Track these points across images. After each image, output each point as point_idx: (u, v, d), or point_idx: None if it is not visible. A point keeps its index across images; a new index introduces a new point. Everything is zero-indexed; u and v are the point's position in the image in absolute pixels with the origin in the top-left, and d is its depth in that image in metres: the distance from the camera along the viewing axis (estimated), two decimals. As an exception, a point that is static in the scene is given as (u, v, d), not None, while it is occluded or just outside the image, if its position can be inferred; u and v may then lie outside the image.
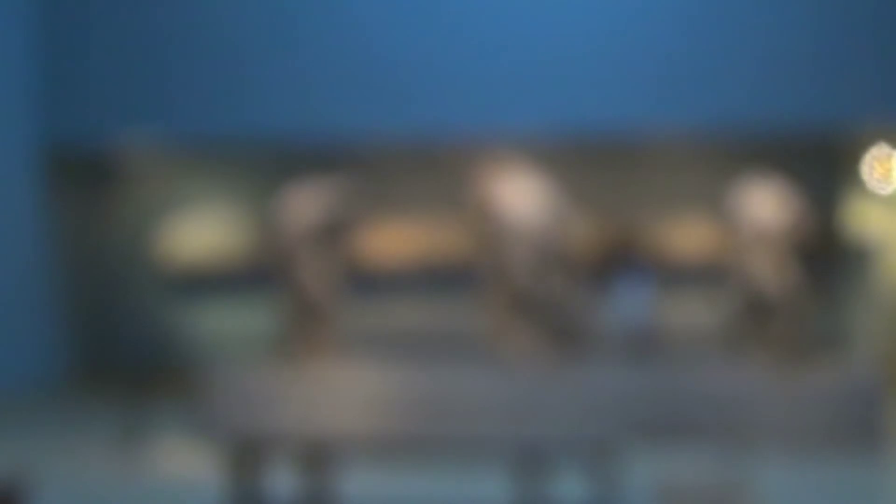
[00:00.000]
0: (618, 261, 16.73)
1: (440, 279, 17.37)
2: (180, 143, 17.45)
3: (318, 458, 8.83)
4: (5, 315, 16.04)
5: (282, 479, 9.25)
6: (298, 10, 16.39)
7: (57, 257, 17.54)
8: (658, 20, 15.75)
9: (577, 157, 17.19)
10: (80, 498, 9.43)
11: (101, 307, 18.43)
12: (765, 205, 11.97)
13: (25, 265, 16.68)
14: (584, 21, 15.89)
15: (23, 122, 16.62)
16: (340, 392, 11.82)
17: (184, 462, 11.19)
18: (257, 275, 12.69)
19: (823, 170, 16.61)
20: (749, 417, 11.22)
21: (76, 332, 17.95)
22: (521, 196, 12.29)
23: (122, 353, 17.90)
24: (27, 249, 16.74)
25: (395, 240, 17.33)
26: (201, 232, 17.93)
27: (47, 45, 16.77)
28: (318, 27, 16.36)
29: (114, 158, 18.42)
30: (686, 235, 16.66)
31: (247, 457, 8.82)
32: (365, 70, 16.13)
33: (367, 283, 17.25)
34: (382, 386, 12.09)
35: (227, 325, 18.02)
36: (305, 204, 12.47)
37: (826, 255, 16.43)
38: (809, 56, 15.29)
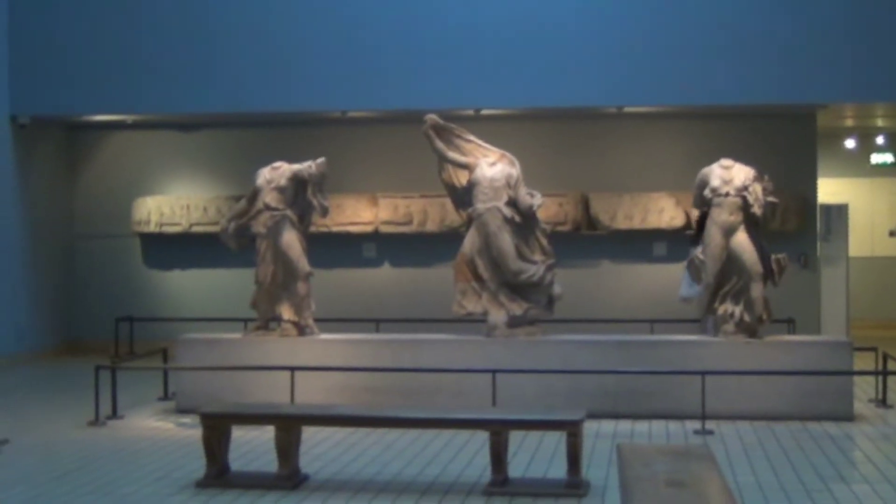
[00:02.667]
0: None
1: (414, 247, 17.47)
2: (150, 116, 17.53)
3: (289, 431, 8.85)
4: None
5: (255, 450, 9.30)
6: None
7: (28, 228, 17.53)
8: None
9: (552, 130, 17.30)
10: (49, 466, 9.48)
11: (73, 278, 18.48)
12: (739, 175, 12.03)
13: (3, 235, 16.69)
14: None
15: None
16: (314, 364, 11.83)
17: (156, 432, 11.23)
18: (228, 244, 12.72)
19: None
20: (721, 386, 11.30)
21: (49, 301, 17.98)
22: (491, 163, 12.33)
23: (96, 320, 17.96)
24: (3, 219, 16.75)
25: (368, 209, 17.35)
26: (174, 202, 17.96)
27: (15, 24, 16.79)
28: (284, 8, 16.38)
29: (87, 130, 18.47)
30: (649, 206, 16.74)
31: (217, 428, 8.85)
32: (335, 51, 16.19)
33: (341, 251, 17.36)
34: (356, 358, 12.14)
35: (202, 294, 18.08)
36: (280, 175, 12.49)
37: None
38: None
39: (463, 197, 12.53)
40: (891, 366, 12.69)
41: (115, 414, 11.82)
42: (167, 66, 16.43)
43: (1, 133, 16.77)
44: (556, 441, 9.69)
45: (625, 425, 11.17)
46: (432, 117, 12.50)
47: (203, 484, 8.78)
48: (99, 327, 17.76)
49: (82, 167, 18.73)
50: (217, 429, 8.88)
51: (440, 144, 12.47)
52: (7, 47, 16.74)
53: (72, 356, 17.50)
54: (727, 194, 11.99)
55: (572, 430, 8.49)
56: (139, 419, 11.87)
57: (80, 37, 16.71)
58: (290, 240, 12.41)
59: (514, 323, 12.21)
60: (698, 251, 12.26)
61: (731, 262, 12.01)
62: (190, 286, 18.24)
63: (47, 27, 16.80)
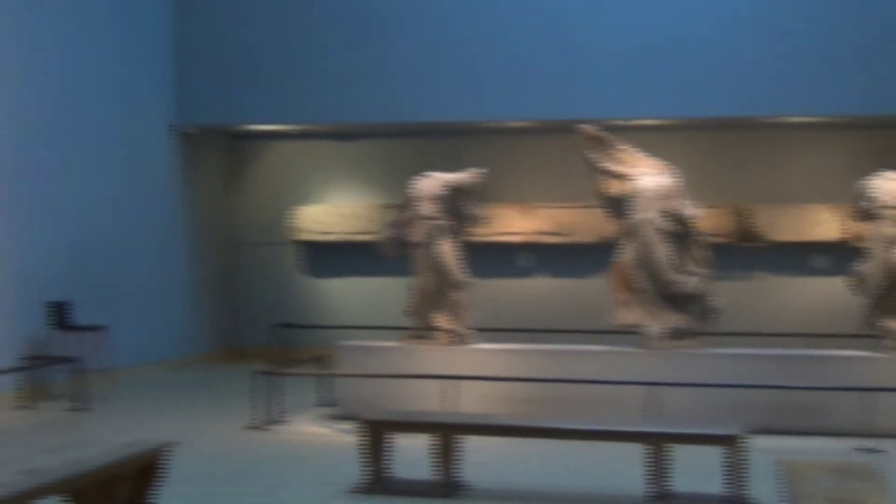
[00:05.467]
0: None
1: (567, 257, 17.45)
2: (310, 126, 17.84)
3: (446, 439, 8.92)
4: (145, 292, 16.56)
5: (411, 457, 9.39)
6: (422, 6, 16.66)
7: (192, 236, 18.00)
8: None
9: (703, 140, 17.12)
10: (213, 468, 9.71)
11: (234, 284, 18.90)
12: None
13: (166, 245, 17.19)
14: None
15: (159, 106, 17.11)
16: (470, 373, 11.89)
17: (316, 437, 11.42)
18: (384, 253, 12.91)
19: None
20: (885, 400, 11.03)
21: (211, 307, 18.42)
22: (650, 173, 12.27)
23: (254, 326, 18.33)
24: (166, 232, 17.24)
25: (523, 219, 17.39)
26: (331, 210, 18.27)
27: (181, 36, 17.27)
28: (441, 20, 16.54)
29: (248, 139, 18.90)
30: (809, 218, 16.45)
31: (375, 434, 8.96)
32: (491, 61, 16.29)
33: (495, 261, 17.42)
34: (512, 367, 12.16)
35: (358, 301, 18.32)
36: (437, 185, 12.61)
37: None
38: None
39: (618, 208, 12.49)
40: None
41: (275, 419, 12.06)
42: (328, 77, 16.73)
43: (166, 142, 17.29)
44: (712, 456, 9.57)
45: (784, 441, 10.96)
46: (587, 127, 12.49)
47: (360, 489, 8.90)
48: (257, 333, 18.13)
49: (243, 175, 19.18)
50: (375, 435, 9.00)
51: (595, 155, 12.45)
52: (173, 58, 17.23)
53: (232, 361, 17.91)
54: (890, 207, 11.73)
55: (732, 445, 8.39)
56: (299, 425, 12.09)
57: (243, 48, 17.13)
58: (447, 249, 12.52)
59: (671, 335, 12.11)
60: (862, 265, 12.01)
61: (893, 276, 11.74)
62: (346, 294, 18.52)
63: (212, 39, 17.26)
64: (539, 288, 17.76)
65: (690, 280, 12.09)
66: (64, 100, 14.95)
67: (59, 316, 14.15)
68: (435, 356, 12.37)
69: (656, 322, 12.14)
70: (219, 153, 18.98)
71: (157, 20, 17.14)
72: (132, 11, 16.66)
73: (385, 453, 9.01)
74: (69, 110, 15.05)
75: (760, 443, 10.73)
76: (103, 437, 10.94)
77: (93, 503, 7.09)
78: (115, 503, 7.23)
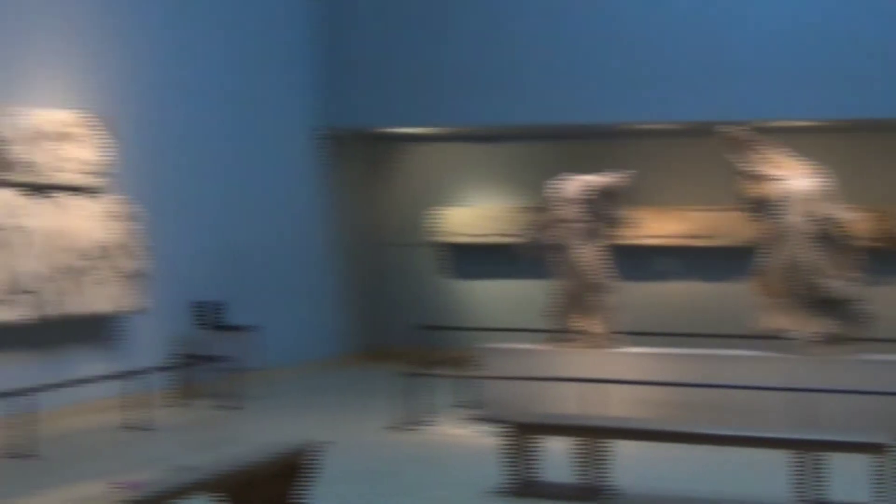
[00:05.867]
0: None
1: (708, 260, 17.27)
2: (453, 129, 17.96)
3: (592, 442, 8.93)
4: (293, 293, 16.86)
5: (556, 461, 9.40)
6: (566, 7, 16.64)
7: (336, 237, 18.28)
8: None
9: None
10: (357, 467, 9.85)
11: (377, 285, 19.11)
12: None
13: (312, 247, 17.49)
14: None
15: (304, 110, 17.41)
16: (611, 376, 11.85)
17: (458, 438, 11.51)
18: (525, 256, 12.95)
19: None
20: None
21: (355, 308, 18.67)
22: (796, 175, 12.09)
23: (397, 327, 18.51)
24: (312, 234, 17.54)
25: (665, 222, 17.27)
26: (472, 213, 18.38)
27: (326, 41, 17.53)
28: (584, 21, 16.50)
29: (389, 142, 19.10)
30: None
31: (518, 437, 9.00)
32: (634, 62, 16.19)
33: (636, 264, 17.31)
34: (654, 371, 12.08)
35: (499, 303, 18.37)
36: (579, 187, 12.61)
37: None
38: None
39: (762, 210, 12.31)
40: None
41: (418, 419, 12.18)
42: (471, 79, 16.81)
43: (311, 145, 17.59)
44: (859, 464, 9.39)
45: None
46: (730, 129, 12.35)
47: (503, 492, 8.95)
48: (400, 334, 18.30)
49: (386, 178, 19.39)
50: (519, 438, 9.04)
51: (739, 157, 12.30)
52: (319, 63, 17.52)
53: (375, 361, 18.10)
54: None
55: (881, 453, 8.23)
56: (442, 426, 12.19)
57: (386, 50, 17.31)
58: (589, 252, 12.50)
59: (819, 340, 11.90)
60: None
61: None
62: (487, 296, 18.59)
63: (356, 43, 17.48)
64: (681, 291, 17.60)
65: (840, 284, 11.87)
66: (212, 104, 15.32)
67: (211, 316, 14.49)
68: (576, 359, 12.36)
69: (804, 327, 11.94)
70: (362, 156, 19.22)
71: (303, 26, 17.44)
72: (279, 18, 17.00)
73: (529, 456, 9.05)
74: (217, 114, 15.41)
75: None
76: (253, 436, 11.18)
77: (244, 501, 7.27)
78: (265, 501, 7.40)
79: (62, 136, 12.42)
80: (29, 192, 12.02)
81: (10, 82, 12.24)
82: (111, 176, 13.15)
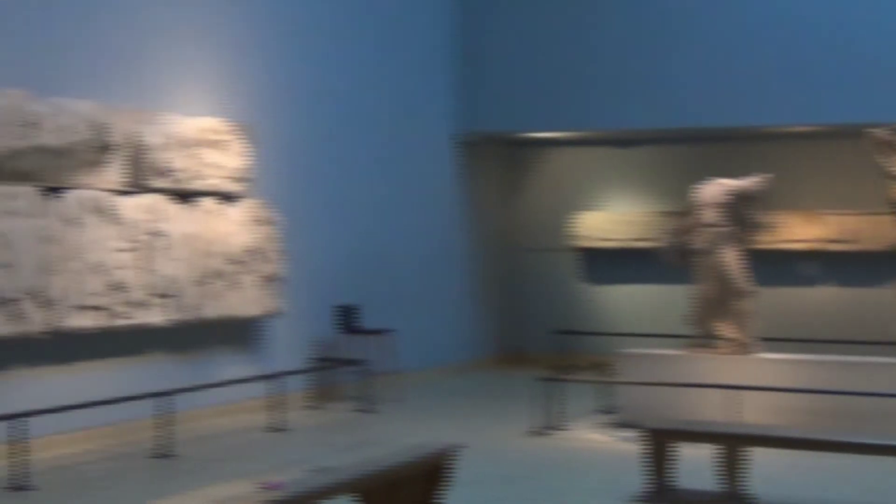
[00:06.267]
0: None
1: (854, 266, 16.92)
2: (589, 133, 17.88)
3: (731, 450, 8.79)
4: (429, 297, 16.94)
5: (693, 467, 9.28)
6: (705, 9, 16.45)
7: (473, 241, 18.33)
8: None
9: None
10: (495, 472, 9.85)
11: (513, 290, 19.11)
12: None
13: (448, 251, 17.57)
14: None
15: (442, 115, 17.50)
16: (753, 383, 11.64)
17: (596, 444, 11.44)
18: (665, 260, 12.81)
19: None
20: None
21: (492, 312, 18.70)
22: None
23: (534, 332, 18.49)
24: (448, 238, 17.62)
25: (807, 226, 16.97)
26: (611, 217, 18.29)
27: (464, 47, 17.59)
28: (724, 23, 16.30)
29: (527, 146, 19.10)
30: None
31: (659, 443, 8.90)
32: (778, 64, 15.94)
33: (780, 269, 17.03)
34: (797, 378, 11.84)
35: (636, 309, 18.24)
36: (720, 191, 12.45)
37: None
38: None
39: (909, 214, 12.02)
40: None
41: (555, 424, 12.13)
42: (608, 83, 16.71)
43: (448, 150, 17.66)
44: None
45: None
46: (878, 131, 12.06)
47: (642, 499, 8.86)
48: (537, 339, 18.26)
49: (523, 182, 19.39)
50: (658, 444, 8.94)
51: (886, 159, 12.01)
52: (456, 69, 17.59)
53: (511, 366, 18.10)
54: None
55: None
56: (579, 431, 12.12)
57: (524, 55, 17.31)
58: (731, 257, 12.31)
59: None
60: None
61: None
62: (624, 301, 18.46)
63: (493, 47, 17.52)
64: (823, 297, 17.25)
65: None
66: (352, 110, 15.47)
67: (348, 320, 14.63)
68: (716, 365, 12.17)
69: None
70: (500, 160, 19.25)
71: (441, 33, 17.53)
72: (418, 24, 17.11)
73: (668, 463, 8.94)
74: (357, 120, 15.56)
75: None
76: (389, 439, 11.24)
77: (381, 503, 7.31)
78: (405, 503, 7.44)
79: (206, 143, 12.65)
80: (173, 198, 12.28)
81: (156, 91, 12.51)
82: (252, 181, 13.36)
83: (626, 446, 10.90)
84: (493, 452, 10.91)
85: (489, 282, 18.75)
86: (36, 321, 10.58)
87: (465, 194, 18.13)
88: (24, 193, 10.56)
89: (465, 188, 18.15)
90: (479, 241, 18.51)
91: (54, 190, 10.94)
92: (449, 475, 7.64)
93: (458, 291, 17.88)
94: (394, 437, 11.39)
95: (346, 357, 14.25)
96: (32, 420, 9.94)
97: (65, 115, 10.95)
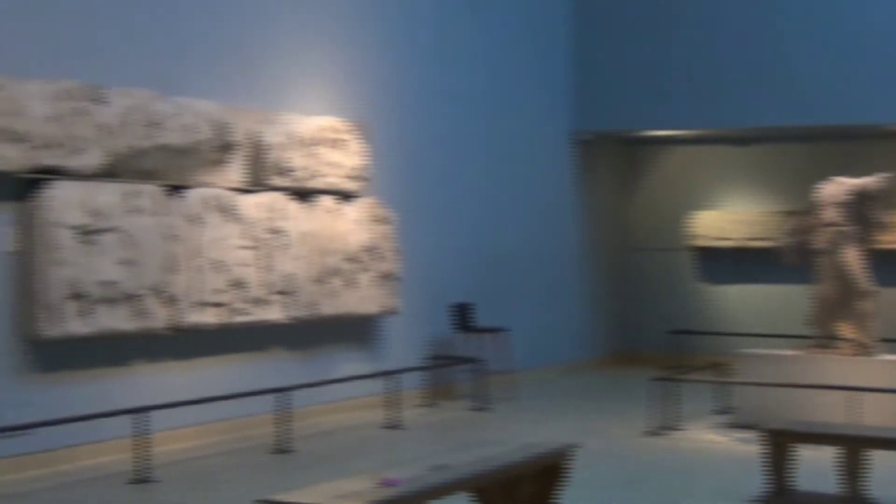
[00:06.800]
0: None
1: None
2: (706, 131, 17.70)
3: (852, 452, 8.65)
4: (543, 296, 16.93)
5: (814, 470, 9.15)
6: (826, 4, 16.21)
7: (588, 240, 18.28)
8: None
9: None
10: (611, 472, 9.82)
11: (627, 289, 19.01)
12: None
13: (563, 250, 17.55)
14: None
15: (558, 114, 17.47)
16: (874, 384, 11.43)
17: (713, 445, 11.34)
18: (786, 260, 12.63)
19: None
20: None
21: (605, 311, 18.63)
22: None
23: (648, 332, 18.38)
24: (563, 237, 17.60)
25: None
26: (727, 216, 18.10)
27: (582, 45, 17.54)
28: (846, 19, 16.02)
29: (642, 144, 18.98)
30: None
31: (779, 445, 8.79)
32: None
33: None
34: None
35: (754, 309, 18.02)
36: (842, 190, 12.26)
37: None
38: None
39: None
40: None
41: (671, 425, 12.05)
42: (727, 81, 16.54)
43: (563, 148, 17.64)
44: None
45: None
46: None
47: (762, 501, 8.76)
48: (651, 338, 18.16)
49: (639, 181, 19.28)
50: (778, 446, 8.82)
51: None
52: (574, 68, 17.55)
53: (625, 366, 18.01)
54: None
55: None
56: (696, 432, 12.03)
57: (640, 53, 17.21)
58: (852, 257, 12.11)
59: None
60: None
61: None
62: (741, 301, 18.25)
63: (609, 44, 17.45)
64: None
65: None
66: (467, 108, 15.52)
67: (462, 318, 14.68)
68: (837, 367, 11.97)
69: None
70: (615, 159, 19.17)
71: (558, 29, 17.51)
72: (535, 21, 17.11)
73: (788, 464, 8.82)
74: (472, 118, 15.62)
75: None
76: (504, 437, 11.26)
77: (501, 502, 7.33)
78: (522, 502, 7.44)
79: (324, 142, 12.80)
80: (292, 196, 12.44)
81: (276, 90, 12.70)
82: (369, 180, 13.48)
83: (744, 447, 10.80)
84: (608, 453, 10.88)
85: (604, 281, 18.68)
86: (159, 317, 10.82)
87: (580, 193, 18.08)
88: (148, 192, 10.80)
89: (581, 186, 18.10)
90: (594, 240, 18.45)
91: (177, 188, 11.17)
92: (565, 475, 7.64)
93: (573, 290, 17.84)
94: (509, 436, 11.41)
95: (460, 355, 14.31)
96: (154, 414, 10.16)
97: (188, 115, 11.17)
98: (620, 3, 17.54)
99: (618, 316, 18.93)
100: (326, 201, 12.87)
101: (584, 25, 17.59)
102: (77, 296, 10.12)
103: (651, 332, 18.20)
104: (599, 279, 18.59)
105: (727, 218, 18.18)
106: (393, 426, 12.40)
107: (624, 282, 19.08)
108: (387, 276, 13.54)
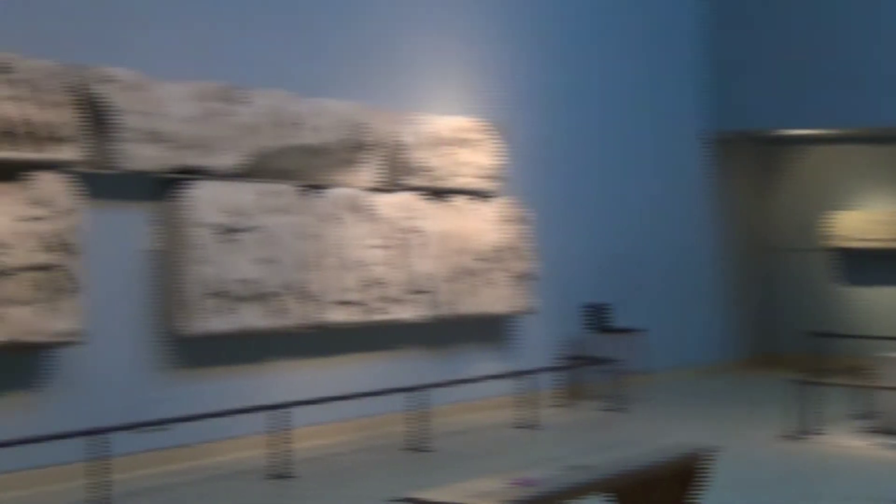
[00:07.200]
0: None
1: None
2: (846, 130, 17.34)
3: None
4: (679, 297, 16.77)
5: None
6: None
7: (725, 241, 18.05)
8: None
9: None
10: (748, 475, 9.67)
11: (765, 291, 18.72)
12: None
13: (699, 251, 17.37)
14: None
15: (694, 113, 17.29)
16: None
17: (853, 450, 11.10)
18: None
19: None
20: None
21: (745, 312, 18.37)
22: None
23: (789, 334, 18.07)
24: (699, 237, 17.41)
25: None
26: (869, 217, 17.71)
27: (718, 44, 17.33)
28: None
29: (779, 144, 18.68)
30: None
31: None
32: None
33: None
34: None
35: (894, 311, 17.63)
36: None
37: None
38: None
39: None
40: None
41: (811, 429, 11.81)
42: (863, 79, 16.18)
43: (699, 148, 17.43)
44: None
45: None
46: None
47: (905, 508, 8.57)
48: (790, 341, 17.84)
49: (776, 181, 18.96)
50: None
51: None
52: (710, 67, 17.35)
53: (763, 368, 17.73)
54: None
55: None
56: (836, 436, 11.77)
57: (775, 51, 16.95)
58: None
59: None
60: None
61: None
62: (883, 303, 17.84)
63: (744, 43, 17.23)
64: None
65: None
66: (602, 109, 15.46)
67: (598, 319, 14.60)
68: None
69: None
70: (751, 158, 18.89)
71: (692, 29, 17.33)
72: (669, 21, 16.96)
73: (933, 472, 8.60)
74: (607, 118, 15.54)
75: None
76: (640, 439, 11.17)
77: (637, 503, 7.26)
78: (659, 504, 7.37)
79: (459, 142, 12.84)
80: (427, 196, 12.50)
81: (411, 91, 12.79)
82: (503, 180, 13.48)
83: (887, 453, 10.54)
84: (746, 456, 10.69)
85: (741, 282, 18.41)
86: (295, 315, 10.96)
87: (716, 193, 17.86)
88: (286, 191, 10.95)
89: (717, 187, 17.88)
90: (732, 241, 18.20)
91: (313, 188, 11.30)
92: (703, 477, 7.54)
93: (710, 291, 17.62)
94: (645, 437, 11.31)
95: (596, 356, 14.22)
96: (292, 411, 10.28)
97: (325, 116, 11.30)
98: (757, 2, 17.27)
99: (756, 318, 18.64)
100: (461, 201, 12.91)
101: (722, 26, 17.37)
102: (216, 294, 10.30)
103: (790, 335, 17.89)
104: (739, 280, 18.34)
105: (867, 218, 17.77)
106: (527, 426, 12.38)
107: (764, 283, 18.78)
108: (523, 276, 13.53)
